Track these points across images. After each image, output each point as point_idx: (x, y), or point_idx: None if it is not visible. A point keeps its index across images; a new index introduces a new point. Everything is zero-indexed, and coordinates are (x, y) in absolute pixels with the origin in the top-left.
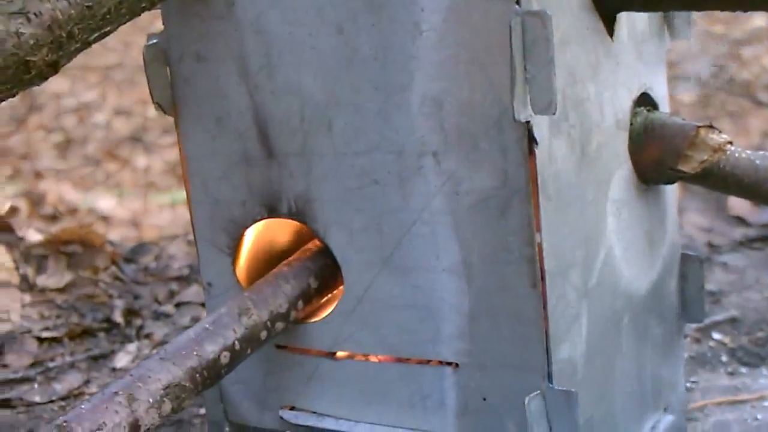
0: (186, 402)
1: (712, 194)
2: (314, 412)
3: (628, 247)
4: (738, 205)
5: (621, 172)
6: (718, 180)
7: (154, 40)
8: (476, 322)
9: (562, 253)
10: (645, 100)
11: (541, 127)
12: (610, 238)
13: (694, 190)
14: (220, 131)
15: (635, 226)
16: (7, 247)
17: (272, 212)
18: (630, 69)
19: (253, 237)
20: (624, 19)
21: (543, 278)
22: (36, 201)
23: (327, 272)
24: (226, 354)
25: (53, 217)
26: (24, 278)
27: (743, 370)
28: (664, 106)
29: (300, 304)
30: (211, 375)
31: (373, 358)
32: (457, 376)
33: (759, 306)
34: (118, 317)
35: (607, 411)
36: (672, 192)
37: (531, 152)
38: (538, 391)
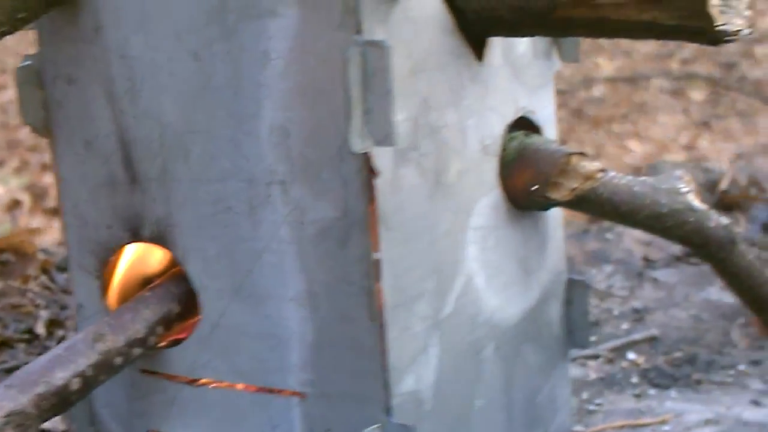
0: (31, 430)
1: None
2: None
3: (495, 275)
4: None
5: (487, 199)
6: (595, 206)
7: (28, 62)
8: (320, 352)
9: (407, 284)
10: (525, 125)
11: (383, 157)
12: (471, 267)
13: None
14: (89, 154)
15: (505, 254)
16: None
17: (136, 236)
18: (504, 93)
19: (128, 260)
20: (497, 42)
21: (382, 311)
22: (40, 194)
23: (190, 298)
24: (77, 380)
25: (55, 211)
26: None
27: (651, 392)
28: (550, 130)
29: (160, 329)
30: (59, 402)
31: (228, 386)
32: (304, 406)
33: (683, 324)
34: (40, 328)
35: None
36: (555, 217)
37: (371, 183)
38: (377, 425)
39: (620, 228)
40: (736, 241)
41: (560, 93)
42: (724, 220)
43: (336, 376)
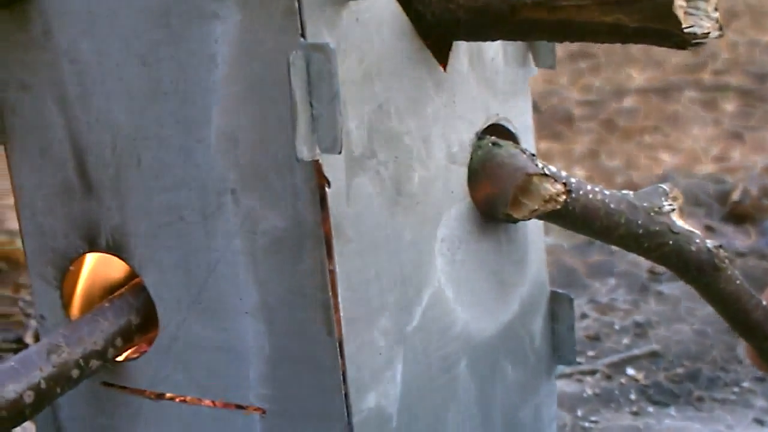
0: None
1: None
2: None
3: (466, 288)
4: None
5: (456, 210)
6: (567, 222)
7: None
8: (278, 367)
9: (367, 297)
10: (498, 132)
11: (334, 166)
12: (439, 280)
13: None
14: (44, 162)
15: (477, 266)
16: None
17: (92, 246)
18: (473, 100)
19: (88, 270)
20: (463, 48)
21: (339, 324)
22: None
23: (150, 309)
24: (30, 393)
25: None
26: None
27: (650, 409)
28: (527, 137)
29: (119, 341)
30: (12, 415)
31: (190, 401)
32: (265, 423)
33: (685, 339)
34: (29, 338)
35: None
36: (535, 228)
37: (322, 193)
38: None
39: None
40: (720, 266)
41: (590, 104)
42: (709, 243)
43: (296, 392)
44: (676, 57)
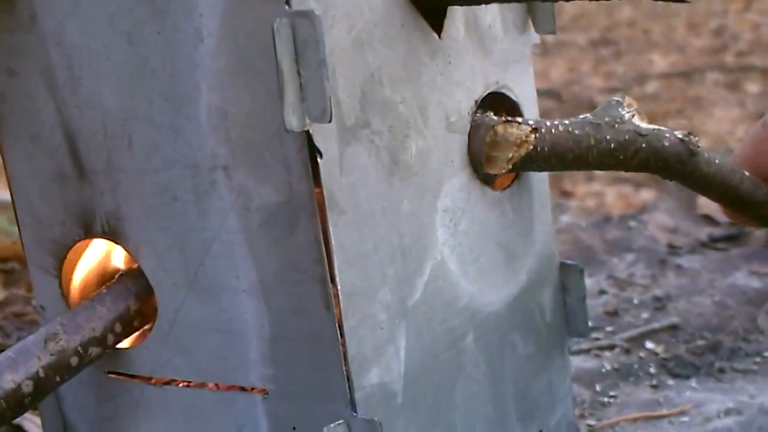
0: None
1: (683, 193)
2: None
3: (471, 260)
4: (707, 203)
5: (456, 180)
6: (542, 164)
7: None
8: (278, 346)
9: (365, 270)
10: (499, 101)
11: (325, 136)
12: (441, 251)
13: (666, 189)
14: (36, 149)
15: (482, 237)
16: None
17: (88, 232)
18: (470, 68)
19: (91, 257)
20: (458, 13)
21: (337, 298)
22: None
23: (148, 293)
24: (29, 383)
25: None
26: None
27: (670, 382)
28: (530, 106)
29: (118, 327)
30: (11, 405)
31: (191, 385)
32: (267, 403)
33: (706, 311)
34: None
35: None
36: (540, 197)
37: (314, 164)
38: (341, 421)
39: (644, 215)
40: (696, 150)
41: (614, 90)
42: (679, 133)
43: (297, 370)
44: (698, 40)
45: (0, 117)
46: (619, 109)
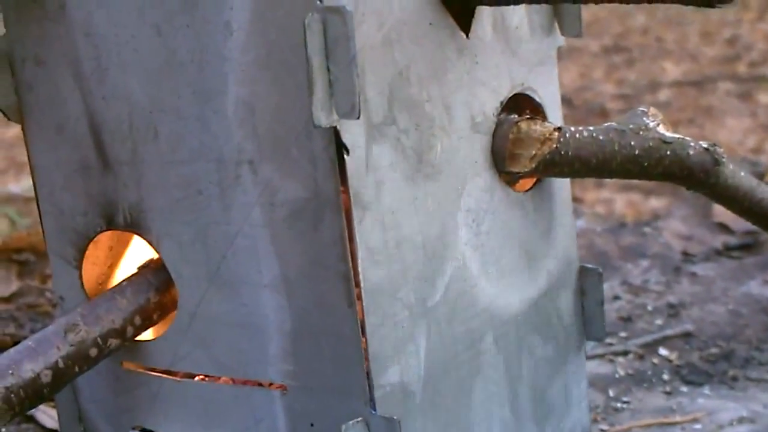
0: (0, 423)
1: (698, 200)
2: None
3: (492, 261)
4: (722, 212)
5: (480, 180)
6: (565, 168)
7: None
8: (298, 342)
9: (388, 268)
10: (523, 102)
11: (353, 132)
12: (463, 252)
13: (680, 197)
14: (61, 139)
15: (503, 239)
16: None
17: (110, 223)
18: (497, 68)
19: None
20: (486, 14)
21: (360, 296)
22: None
23: (169, 286)
24: (48, 372)
25: None
26: None
27: (683, 389)
28: (554, 108)
29: (137, 319)
30: (30, 395)
31: (209, 379)
32: (286, 399)
33: (720, 320)
34: None
35: None
36: (563, 201)
37: (341, 161)
38: (359, 419)
39: (658, 222)
40: (721, 161)
41: (625, 97)
42: (704, 143)
43: (317, 367)
44: (711, 49)
45: (26, 106)
46: (644, 118)
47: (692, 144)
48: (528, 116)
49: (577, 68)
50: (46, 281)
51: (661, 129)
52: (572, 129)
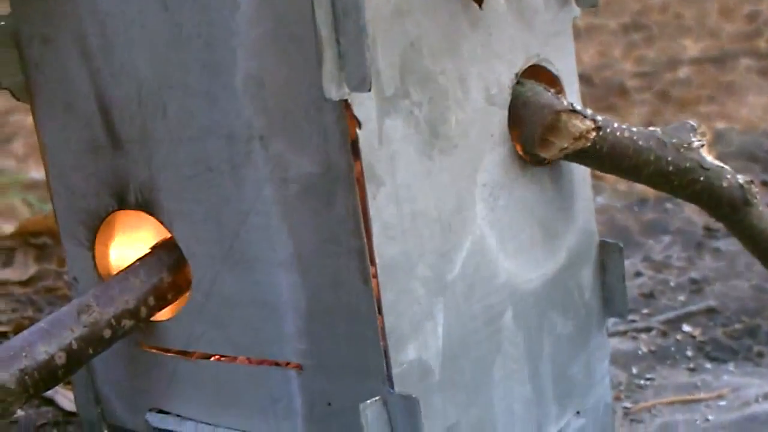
0: (15, 406)
1: None
2: (177, 415)
3: (510, 236)
4: None
5: (496, 154)
6: (595, 161)
7: (2, 23)
8: (313, 320)
9: (404, 244)
10: (539, 74)
11: (365, 105)
12: (480, 226)
13: None
14: (69, 118)
15: (521, 213)
16: None
17: (122, 203)
18: (511, 40)
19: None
20: None
21: (375, 272)
22: None
23: (182, 266)
24: (62, 354)
25: None
26: None
27: (707, 365)
28: (571, 80)
29: (151, 300)
30: (44, 377)
31: (225, 359)
32: (302, 379)
33: (743, 295)
34: None
35: (482, 416)
36: (581, 175)
37: (353, 134)
38: (377, 397)
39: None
40: (752, 201)
41: (645, 75)
42: (741, 178)
43: (333, 345)
44: (730, 26)
45: (34, 85)
46: (690, 134)
47: (728, 176)
48: (572, 108)
49: (595, 46)
50: (63, 265)
51: (704, 152)
52: (615, 126)
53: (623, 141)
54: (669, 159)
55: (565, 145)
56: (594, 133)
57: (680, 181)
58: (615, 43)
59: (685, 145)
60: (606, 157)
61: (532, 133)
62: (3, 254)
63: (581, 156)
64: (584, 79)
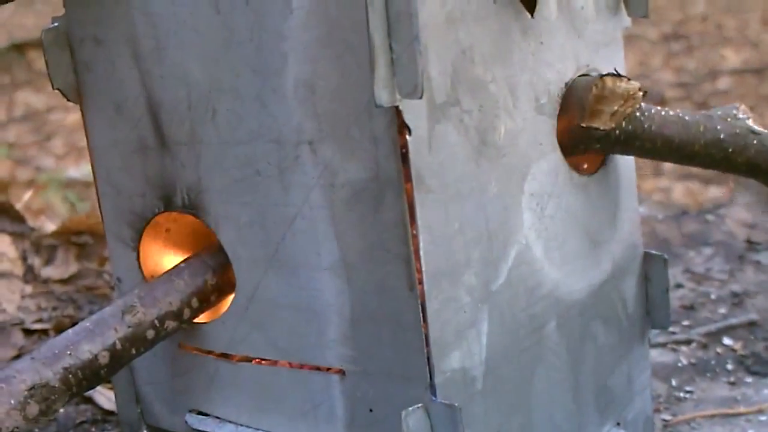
0: (58, 404)
1: (762, 188)
2: (217, 417)
3: (556, 246)
4: None
5: (544, 163)
6: (646, 143)
7: (55, 24)
8: (358, 326)
9: (450, 252)
10: None
11: (416, 112)
12: (527, 236)
13: (744, 184)
14: (119, 119)
15: (567, 223)
16: (18, 237)
17: (168, 205)
18: (562, 49)
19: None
20: None
21: (421, 279)
22: None
23: (226, 269)
24: (105, 354)
25: None
26: (30, 269)
27: (748, 379)
28: None
29: (195, 302)
30: (87, 376)
31: (266, 362)
32: (344, 384)
33: None
34: None
35: (523, 425)
36: (627, 184)
37: (403, 141)
38: (419, 405)
39: (721, 209)
40: None
41: (684, 86)
42: None
43: (377, 351)
44: None
45: (84, 86)
46: (734, 111)
47: None
48: (614, 72)
49: (635, 55)
50: (104, 264)
51: (750, 122)
52: (657, 108)
53: (670, 118)
54: (719, 128)
55: (615, 108)
56: (641, 92)
57: (735, 147)
58: (655, 52)
59: (732, 116)
60: (658, 136)
61: (582, 107)
62: (45, 252)
63: (633, 140)
64: None
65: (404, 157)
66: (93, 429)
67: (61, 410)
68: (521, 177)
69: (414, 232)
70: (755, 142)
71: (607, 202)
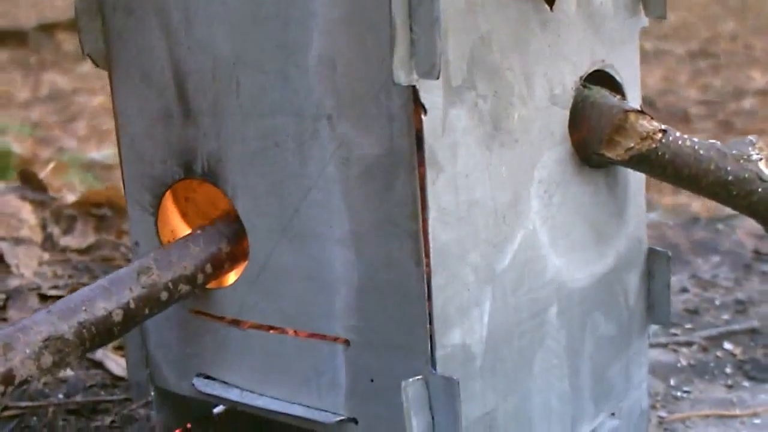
0: (71, 357)
1: None
2: (224, 382)
3: (561, 234)
4: None
5: (554, 152)
6: (656, 168)
7: None
8: (365, 297)
9: (458, 231)
10: (602, 80)
11: (432, 93)
12: (533, 221)
13: None
14: (145, 87)
15: (574, 213)
16: (38, 205)
17: (188, 172)
18: (578, 43)
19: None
20: None
21: (428, 255)
22: None
23: (241, 238)
24: (119, 312)
25: None
26: (49, 237)
27: (745, 384)
28: (633, 89)
29: (209, 267)
30: (101, 332)
31: (274, 330)
32: (348, 353)
33: None
34: None
35: (519, 406)
36: (635, 182)
37: (418, 120)
38: (419, 377)
39: (732, 220)
40: None
41: (709, 104)
42: None
43: (381, 323)
44: None
45: (113, 54)
46: (749, 148)
47: None
48: (639, 109)
49: (661, 71)
50: (122, 236)
51: (762, 165)
52: (677, 134)
53: (685, 149)
54: (728, 168)
55: (632, 145)
56: (660, 135)
57: (739, 191)
58: (681, 69)
59: (745, 157)
60: (668, 164)
61: (600, 133)
62: (64, 222)
63: (644, 162)
64: (647, 102)
65: (418, 136)
66: (102, 392)
67: (72, 372)
68: (531, 164)
69: (423, 209)
70: (760, 190)
71: (615, 197)
